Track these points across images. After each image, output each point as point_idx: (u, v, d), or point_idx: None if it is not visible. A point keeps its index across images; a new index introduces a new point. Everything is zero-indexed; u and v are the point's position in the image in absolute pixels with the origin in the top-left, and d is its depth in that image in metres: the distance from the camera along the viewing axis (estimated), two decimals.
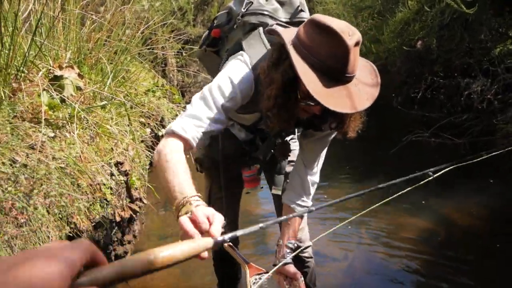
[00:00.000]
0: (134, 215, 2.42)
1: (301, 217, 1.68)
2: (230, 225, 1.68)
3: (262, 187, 1.88)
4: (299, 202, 1.63)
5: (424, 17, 4.23)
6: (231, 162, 1.76)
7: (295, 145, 1.83)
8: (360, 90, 1.19)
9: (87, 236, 1.97)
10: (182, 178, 1.12)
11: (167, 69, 5.07)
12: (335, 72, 1.16)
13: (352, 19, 5.88)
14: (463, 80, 4.02)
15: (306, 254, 1.90)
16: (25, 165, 1.55)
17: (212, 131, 1.30)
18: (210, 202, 1.88)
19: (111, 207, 2.22)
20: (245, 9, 1.54)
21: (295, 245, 1.58)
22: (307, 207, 1.63)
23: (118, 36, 3.19)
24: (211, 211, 1.02)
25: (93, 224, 2.00)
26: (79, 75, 2.29)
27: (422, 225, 2.93)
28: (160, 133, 3.63)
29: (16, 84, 1.93)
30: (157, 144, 3.58)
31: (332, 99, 1.13)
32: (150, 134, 3.43)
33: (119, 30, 3.25)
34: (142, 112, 3.41)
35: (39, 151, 1.62)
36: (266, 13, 1.51)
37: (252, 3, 1.55)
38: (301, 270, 1.63)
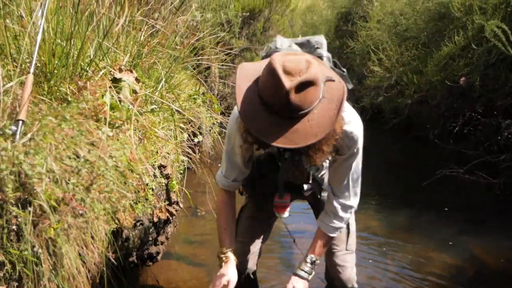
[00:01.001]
0: (170, 217, 2.51)
1: (330, 237, 1.74)
2: (246, 248, 1.93)
3: (290, 215, 1.92)
4: (326, 221, 1.72)
5: (470, 54, 4.22)
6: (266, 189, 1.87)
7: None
8: (312, 126, 1.27)
9: (128, 233, 2.08)
10: (222, 233, 1.76)
11: (210, 78, 5.23)
12: (280, 111, 1.27)
13: (396, 48, 5.90)
14: (504, 121, 3.97)
15: None
16: (86, 160, 1.67)
17: (241, 176, 1.78)
18: (238, 220, 2.01)
19: (151, 207, 2.32)
20: (265, 53, 1.71)
21: (313, 259, 1.71)
22: (334, 227, 1.71)
23: (171, 44, 3.34)
24: (230, 272, 1.63)
25: (134, 222, 2.11)
26: (136, 79, 2.43)
27: (450, 261, 2.90)
28: (196, 140, 3.75)
29: (82, 82, 2.07)
30: (192, 149, 3.65)
31: (270, 134, 1.28)
32: (186, 139, 3.55)
33: (173, 37, 3.40)
34: (184, 118, 3.53)
35: (99, 148, 1.74)
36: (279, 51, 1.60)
37: (271, 48, 1.69)
38: None
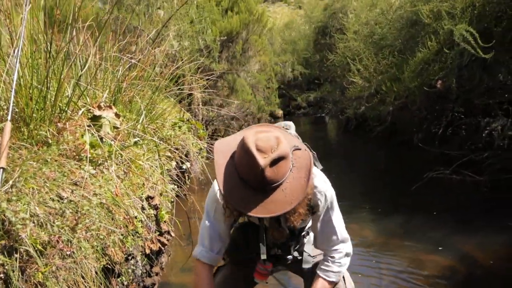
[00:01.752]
0: (162, 248, 2.52)
1: (330, 282, 1.75)
2: None
3: (267, 283, 1.95)
4: (324, 267, 1.76)
5: (443, 58, 4.34)
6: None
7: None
8: (287, 195, 1.41)
9: (120, 267, 2.08)
10: None
11: (193, 104, 5.29)
12: (256, 185, 1.39)
13: (373, 57, 6.03)
14: (483, 120, 4.07)
15: None
16: (70, 201, 1.69)
17: (223, 247, 1.80)
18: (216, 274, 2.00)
19: (142, 239, 2.33)
20: None
21: None
22: (333, 271, 1.74)
23: (150, 76, 3.39)
24: None
25: (125, 256, 2.11)
26: (116, 114, 2.47)
27: (444, 262, 2.93)
28: (184, 166, 3.78)
29: (61, 124, 2.10)
30: (182, 176, 3.66)
31: (249, 206, 1.39)
32: (175, 167, 3.56)
33: (151, 69, 3.46)
34: (169, 146, 3.56)
35: (82, 188, 1.77)
36: None
37: None
38: None
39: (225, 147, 1.54)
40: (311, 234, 1.92)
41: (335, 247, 1.75)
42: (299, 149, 1.50)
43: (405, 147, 6.54)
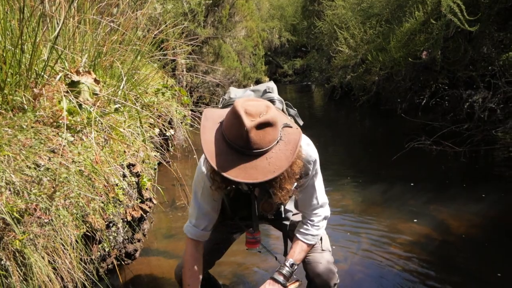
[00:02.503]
0: (144, 215, 2.53)
1: (309, 245, 1.83)
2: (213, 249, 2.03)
3: (260, 251, 2.01)
4: (303, 231, 1.83)
5: (429, 28, 4.31)
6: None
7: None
8: (270, 163, 1.40)
9: (101, 235, 2.08)
10: None
11: (177, 70, 5.19)
12: (242, 148, 1.39)
13: (359, 26, 5.96)
14: (465, 92, 4.11)
15: None
16: (47, 169, 1.66)
17: (210, 224, 1.82)
18: None
19: (123, 207, 2.33)
20: (221, 105, 1.90)
21: (291, 262, 1.77)
22: (312, 235, 1.82)
23: (131, 40, 3.29)
24: None
25: (106, 223, 2.11)
26: (95, 80, 2.40)
27: (420, 230, 3.03)
28: (168, 133, 3.74)
29: (37, 89, 2.04)
30: (166, 144, 3.63)
31: (230, 169, 1.38)
32: (158, 134, 3.53)
33: (133, 33, 3.35)
34: (152, 113, 3.51)
35: (60, 155, 1.74)
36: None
37: (225, 99, 1.90)
38: None
39: (215, 113, 1.56)
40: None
41: (315, 211, 1.81)
42: (290, 127, 1.50)
43: (389, 117, 6.60)
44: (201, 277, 1.83)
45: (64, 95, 2.00)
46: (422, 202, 3.51)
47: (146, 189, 2.74)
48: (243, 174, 1.37)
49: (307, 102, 11.60)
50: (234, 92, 1.91)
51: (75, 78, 2.32)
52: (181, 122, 4.19)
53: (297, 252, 1.79)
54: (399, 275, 2.50)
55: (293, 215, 2.03)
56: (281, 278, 1.72)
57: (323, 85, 10.20)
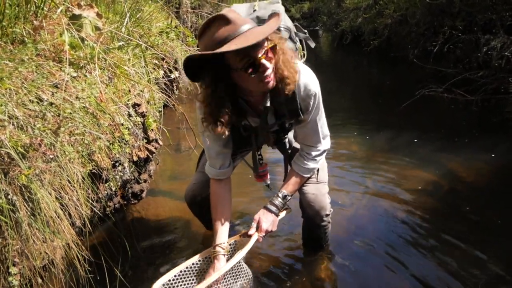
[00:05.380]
0: (150, 156, 2.50)
1: (303, 177, 1.85)
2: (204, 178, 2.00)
3: (268, 186, 2.05)
4: (300, 163, 1.83)
5: None
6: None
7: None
8: (258, 31, 1.39)
9: (107, 174, 2.07)
10: (214, 226, 1.76)
11: (181, 10, 4.97)
12: (229, 36, 1.36)
13: None
14: (483, 36, 3.92)
15: (324, 223, 2.03)
16: (51, 103, 1.61)
17: (226, 160, 1.81)
18: (202, 154, 2.19)
19: (129, 147, 2.30)
20: None
21: (285, 194, 1.81)
22: (308, 168, 1.82)
23: None
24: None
25: (112, 162, 2.09)
26: (97, 14, 2.28)
27: (427, 177, 3.00)
28: (172, 76, 3.65)
29: (37, 21, 1.94)
30: (170, 86, 3.55)
31: (225, 46, 1.35)
32: (163, 76, 3.44)
33: None
34: (156, 53, 3.40)
35: (63, 90, 1.67)
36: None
37: None
38: (315, 233, 2.09)
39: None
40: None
41: (315, 145, 1.80)
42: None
43: (399, 64, 6.41)
44: (229, 213, 1.82)
45: (66, 28, 1.90)
46: (430, 150, 3.47)
47: (152, 130, 2.70)
48: (235, 44, 1.34)
49: (315, 47, 11.29)
50: (237, 11, 1.78)
51: (77, 11, 2.21)
52: None
53: (291, 184, 1.82)
54: (403, 220, 2.50)
55: (295, 142, 2.04)
56: (273, 208, 1.77)
57: (331, 30, 9.84)
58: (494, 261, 2.07)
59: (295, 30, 1.88)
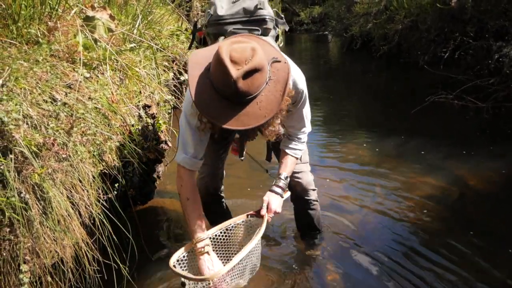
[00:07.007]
0: (159, 157, 2.52)
1: (297, 158, 1.98)
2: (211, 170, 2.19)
3: (242, 159, 2.17)
4: (291, 146, 1.94)
5: None
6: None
7: None
8: (261, 108, 1.41)
9: (117, 174, 2.08)
10: (193, 222, 1.70)
11: (192, 13, 5.00)
12: (231, 97, 1.38)
13: None
14: (495, 43, 3.90)
15: (312, 198, 2.24)
16: (64, 104, 1.63)
17: (200, 152, 1.76)
18: None
19: (139, 148, 2.31)
20: (207, 21, 1.85)
21: (286, 175, 1.91)
22: (299, 149, 1.96)
23: None
24: (216, 265, 1.65)
25: (122, 163, 2.11)
26: (110, 16, 2.31)
27: (436, 184, 2.98)
28: (182, 78, 3.66)
29: (52, 22, 1.96)
30: (179, 88, 3.58)
31: (222, 118, 1.39)
32: (172, 78, 3.46)
33: None
34: (167, 55, 3.42)
35: (76, 91, 1.69)
36: (222, 21, 1.78)
37: (212, 14, 1.82)
38: (306, 212, 2.27)
39: (201, 58, 1.51)
40: None
41: (302, 129, 1.93)
42: (279, 61, 1.47)
43: (409, 70, 6.39)
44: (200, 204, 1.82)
45: (80, 30, 1.92)
46: (439, 157, 3.44)
47: (162, 131, 2.71)
48: (236, 122, 1.39)
49: (323, 51, 11.28)
50: (219, 4, 1.82)
51: (90, 13, 2.23)
52: None
53: (288, 165, 1.93)
54: (411, 228, 2.48)
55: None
56: (279, 190, 1.86)
57: (341, 35, 9.83)
58: (502, 270, 2.04)
59: (275, 17, 1.93)
